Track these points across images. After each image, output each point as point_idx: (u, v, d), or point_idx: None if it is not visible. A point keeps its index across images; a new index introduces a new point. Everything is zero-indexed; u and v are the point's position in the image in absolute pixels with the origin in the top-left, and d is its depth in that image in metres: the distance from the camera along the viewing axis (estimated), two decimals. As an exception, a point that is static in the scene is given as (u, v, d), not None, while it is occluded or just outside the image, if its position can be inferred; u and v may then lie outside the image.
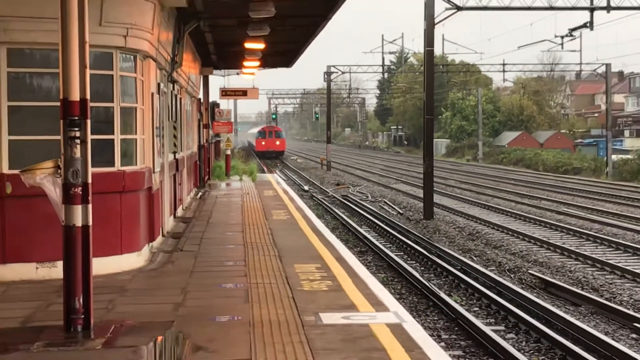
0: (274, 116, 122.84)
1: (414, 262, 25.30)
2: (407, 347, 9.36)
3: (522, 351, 14.66)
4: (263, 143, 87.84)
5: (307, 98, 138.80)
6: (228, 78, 47.78)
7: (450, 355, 11.56)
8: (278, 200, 30.03)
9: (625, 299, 19.48)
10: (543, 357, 14.69)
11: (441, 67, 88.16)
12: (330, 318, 11.01)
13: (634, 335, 16.06)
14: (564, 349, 14.47)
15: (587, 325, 16.22)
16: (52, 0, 10.69)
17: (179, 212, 25.13)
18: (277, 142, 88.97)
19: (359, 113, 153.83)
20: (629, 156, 70.94)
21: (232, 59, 37.02)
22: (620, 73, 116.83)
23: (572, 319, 16.65)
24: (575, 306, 18.97)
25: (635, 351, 14.39)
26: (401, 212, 40.03)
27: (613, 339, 15.14)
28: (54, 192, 10.91)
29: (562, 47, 56.52)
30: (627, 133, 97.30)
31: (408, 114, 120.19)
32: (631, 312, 17.62)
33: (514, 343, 15.34)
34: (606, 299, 19.24)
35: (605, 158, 70.44)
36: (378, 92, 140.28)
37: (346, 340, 9.77)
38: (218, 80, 45.83)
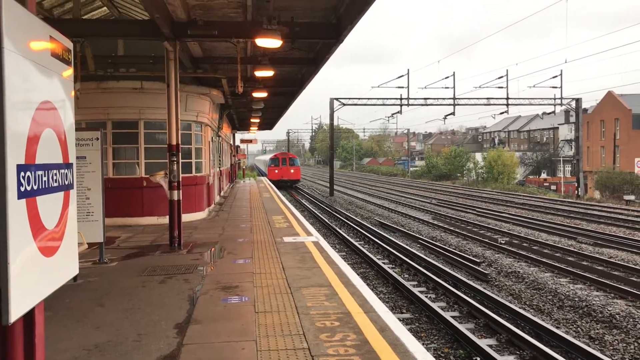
0: (264, 151, 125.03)
1: (325, 214, 27.23)
2: (320, 250, 10.37)
3: (370, 252, 16.10)
4: (276, 171, 48.77)
5: (279, 143, 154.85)
6: (242, 134, 51.23)
7: (340, 255, 12.60)
8: (265, 189, 31.15)
9: (414, 229, 21.31)
10: (379, 256, 15.80)
11: (337, 130, 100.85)
12: (287, 239, 11.80)
13: (418, 246, 17.65)
14: (388, 251, 16.11)
15: (399, 240, 18.06)
16: (164, 99, 11.72)
17: (222, 193, 25.65)
18: (292, 170, 49.21)
19: (302, 149, 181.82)
20: (418, 168, 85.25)
21: (245, 126, 39.55)
22: (413, 133, 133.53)
23: (392, 237, 18.56)
24: (393, 233, 20.60)
25: (419, 252, 16.05)
26: (320, 193, 43.06)
27: (409, 247, 16.94)
28: (165, 185, 11.92)
29: (389, 121, 72.33)
30: (417, 159, 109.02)
31: (323, 150, 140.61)
32: (417, 235, 19.32)
33: (368, 249, 16.87)
34: (407, 230, 20.97)
35: (407, 169, 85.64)
36: (310, 140, 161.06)
37: (294, 248, 10.63)
38: (239, 135, 50.59)
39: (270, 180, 46.28)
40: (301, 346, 5.13)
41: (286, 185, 48.63)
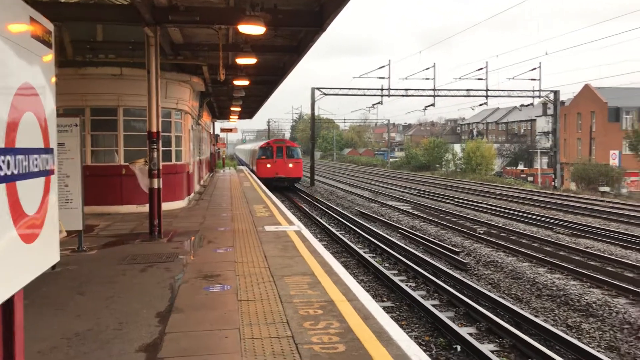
0: (244, 140, 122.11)
1: (306, 204, 27.24)
2: (302, 239, 10.41)
3: (351, 241, 16.13)
4: (268, 166, 34.37)
5: (259, 133, 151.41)
6: (222, 122, 51.03)
7: (322, 244, 12.16)
8: (245, 178, 30.86)
9: (394, 219, 21.49)
10: (360, 245, 15.85)
11: (317, 120, 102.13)
12: (269, 228, 11.82)
13: (398, 235, 17.86)
14: (369, 240, 16.22)
15: (379, 230, 18.16)
16: (143, 86, 11.50)
17: (201, 182, 25.34)
18: (291, 165, 34.49)
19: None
20: (397, 159, 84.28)
21: (225, 114, 39.21)
22: (393, 124, 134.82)
23: (372, 227, 18.68)
24: (373, 222, 20.79)
25: (399, 241, 16.15)
26: (301, 183, 41.24)
27: (389, 236, 17.11)
28: (140, 174, 11.71)
29: (369, 112, 69.55)
30: (397, 150, 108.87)
31: (303, 140, 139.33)
32: (397, 225, 19.45)
33: (348, 238, 16.93)
34: (387, 220, 21.15)
35: (387, 160, 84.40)
36: (291, 130, 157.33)
37: (276, 237, 10.66)
38: (219, 124, 50.18)
39: (260, 178, 32.79)
40: (285, 334, 5.12)
41: (282, 186, 34.29)
